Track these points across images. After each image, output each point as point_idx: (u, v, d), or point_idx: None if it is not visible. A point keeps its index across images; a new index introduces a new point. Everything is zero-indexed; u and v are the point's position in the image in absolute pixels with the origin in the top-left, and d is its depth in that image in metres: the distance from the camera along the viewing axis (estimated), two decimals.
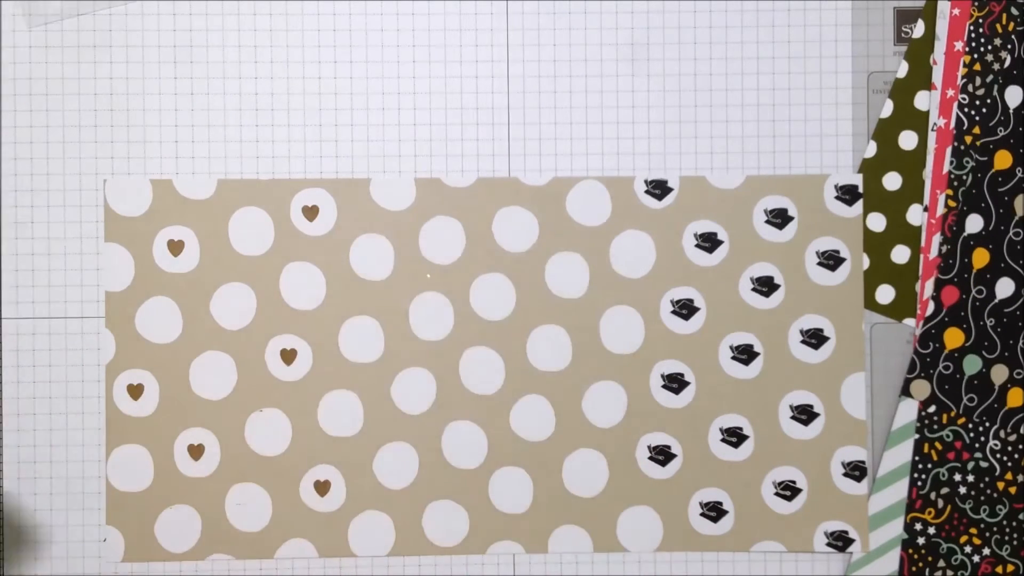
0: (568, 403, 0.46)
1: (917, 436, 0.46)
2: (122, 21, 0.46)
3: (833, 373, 0.46)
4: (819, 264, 0.46)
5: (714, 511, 0.46)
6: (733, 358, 0.46)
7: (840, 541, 0.46)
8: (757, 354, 0.46)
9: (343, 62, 0.46)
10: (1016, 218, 0.46)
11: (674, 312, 0.46)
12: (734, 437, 0.46)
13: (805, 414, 0.46)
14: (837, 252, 0.46)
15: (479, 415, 0.46)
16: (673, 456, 0.46)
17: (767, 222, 0.46)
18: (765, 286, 0.46)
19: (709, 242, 0.46)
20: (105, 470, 0.46)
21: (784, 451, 0.46)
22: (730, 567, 0.46)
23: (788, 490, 0.46)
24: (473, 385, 0.46)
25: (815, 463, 0.46)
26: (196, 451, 0.46)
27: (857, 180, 0.46)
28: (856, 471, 0.46)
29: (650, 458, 0.46)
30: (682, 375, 0.46)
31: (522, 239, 0.46)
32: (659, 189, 0.46)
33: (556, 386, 0.46)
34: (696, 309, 0.46)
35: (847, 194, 0.46)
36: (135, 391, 0.45)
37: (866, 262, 0.46)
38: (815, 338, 0.46)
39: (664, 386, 0.46)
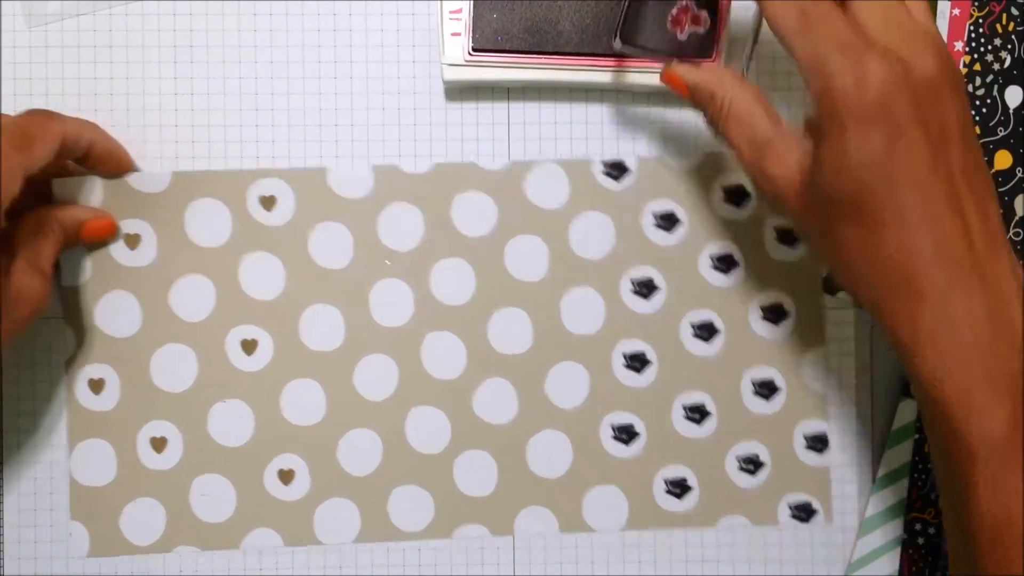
0: (531, 385, 0.46)
1: (917, 436, 0.46)
2: (122, 21, 0.46)
3: (794, 348, 0.46)
4: (777, 240, 0.46)
5: (679, 488, 0.46)
6: (694, 336, 0.46)
7: (804, 512, 0.46)
8: (718, 331, 0.46)
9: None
10: (1016, 218, 0.46)
11: (635, 292, 0.46)
12: (697, 414, 0.46)
13: (767, 389, 0.46)
14: None
15: (442, 400, 0.46)
16: (637, 435, 0.46)
17: (725, 200, 0.46)
18: (725, 263, 0.46)
19: (668, 221, 0.46)
20: (68, 465, 0.45)
21: (747, 426, 0.46)
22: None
23: (752, 464, 0.46)
24: (435, 370, 0.46)
25: (778, 437, 0.46)
26: (159, 444, 0.45)
27: None
28: (818, 443, 0.46)
29: (614, 437, 0.46)
30: (644, 354, 0.46)
31: (481, 223, 0.46)
32: (617, 170, 0.46)
33: (518, 369, 0.46)
34: (656, 288, 0.46)
35: None
36: (96, 386, 0.45)
37: None
38: (775, 314, 0.46)
39: (626, 366, 0.46)
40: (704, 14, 0.41)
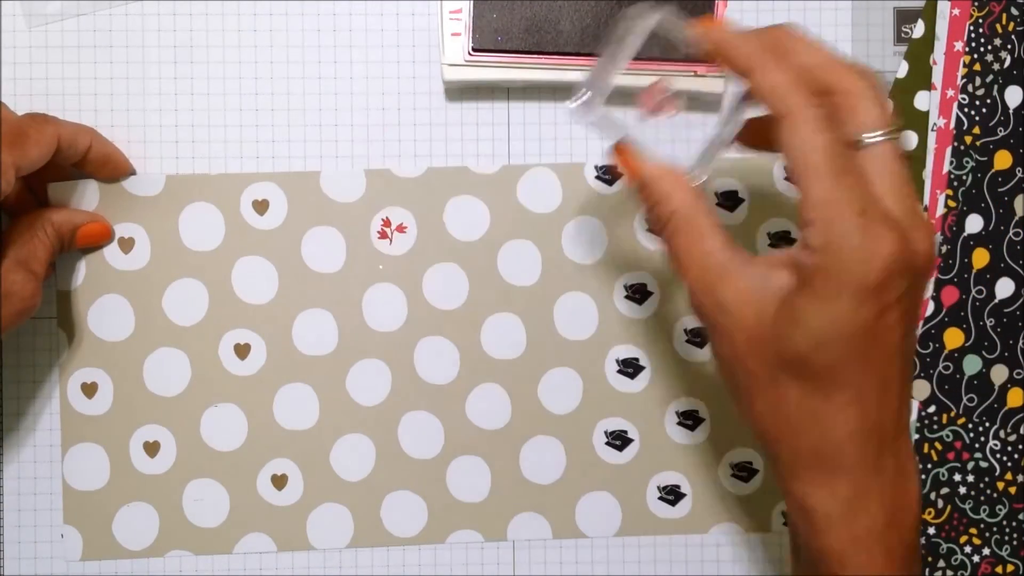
0: (524, 391, 0.46)
1: (917, 436, 0.46)
2: (122, 21, 0.46)
3: None
4: (770, 246, 0.46)
5: (672, 495, 0.46)
6: (687, 341, 0.46)
7: None
8: None
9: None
10: (1016, 218, 0.46)
11: (627, 297, 0.46)
12: (690, 420, 0.46)
13: None
14: (788, 233, 0.46)
15: (435, 405, 0.46)
16: (630, 441, 0.46)
17: (718, 204, 0.46)
18: None
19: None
20: (61, 469, 0.45)
21: (740, 433, 0.46)
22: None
23: (745, 471, 0.46)
24: (428, 375, 0.46)
25: None
26: (152, 448, 0.45)
27: None
28: None
29: (607, 443, 0.46)
30: (637, 360, 0.46)
31: (474, 228, 0.46)
32: (610, 174, 0.46)
33: (512, 374, 0.46)
34: (650, 293, 0.46)
35: None
36: (89, 390, 0.45)
37: None
38: None
39: (619, 371, 0.46)
40: (681, 107, 0.38)
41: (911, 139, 0.46)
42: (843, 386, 0.32)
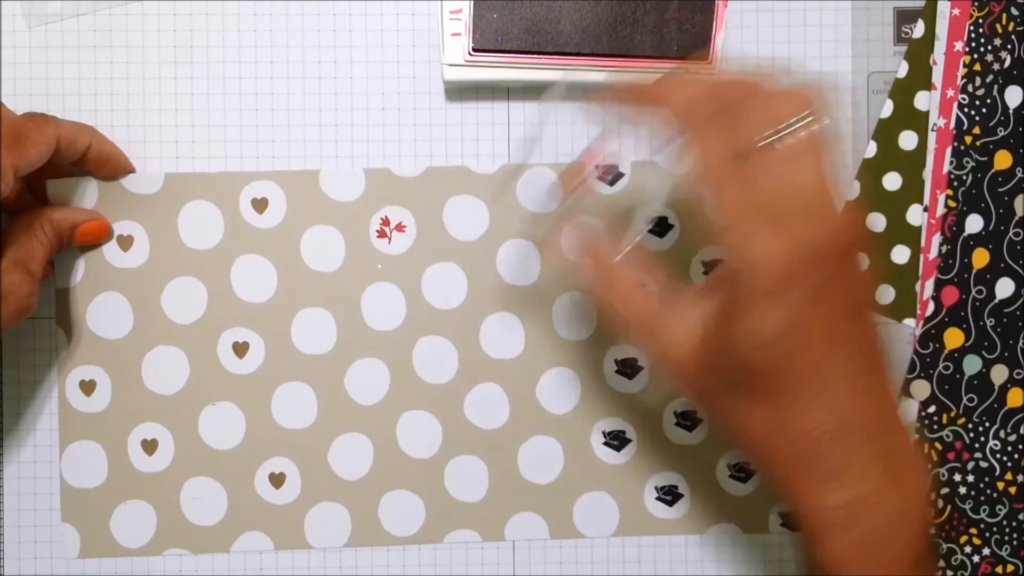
0: (522, 391, 0.46)
1: (917, 436, 0.46)
2: (122, 21, 0.46)
3: None
4: None
5: (669, 495, 0.46)
6: None
7: (795, 521, 0.46)
8: None
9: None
10: (1016, 218, 0.46)
11: None
12: (688, 420, 0.46)
13: None
14: None
15: (433, 404, 0.46)
16: (628, 441, 0.46)
17: None
18: None
19: (660, 226, 0.46)
20: (59, 467, 0.45)
21: None
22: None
23: (743, 472, 0.46)
24: (427, 374, 0.46)
25: None
26: (150, 446, 0.45)
27: None
28: None
29: (605, 444, 0.46)
30: (636, 360, 0.46)
31: (473, 227, 0.46)
32: (610, 175, 0.46)
33: (510, 374, 0.46)
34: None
35: None
36: (87, 387, 0.45)
37: (866, 262, 0.46)
38: None
39: (618, 371, 0.46)
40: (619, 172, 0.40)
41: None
42: (799, 388, 0.32)
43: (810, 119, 0.33)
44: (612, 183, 0.36)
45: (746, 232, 0.32)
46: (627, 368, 0.46)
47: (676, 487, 0.46)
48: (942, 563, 0.46)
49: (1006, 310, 0.46)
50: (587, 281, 0.38)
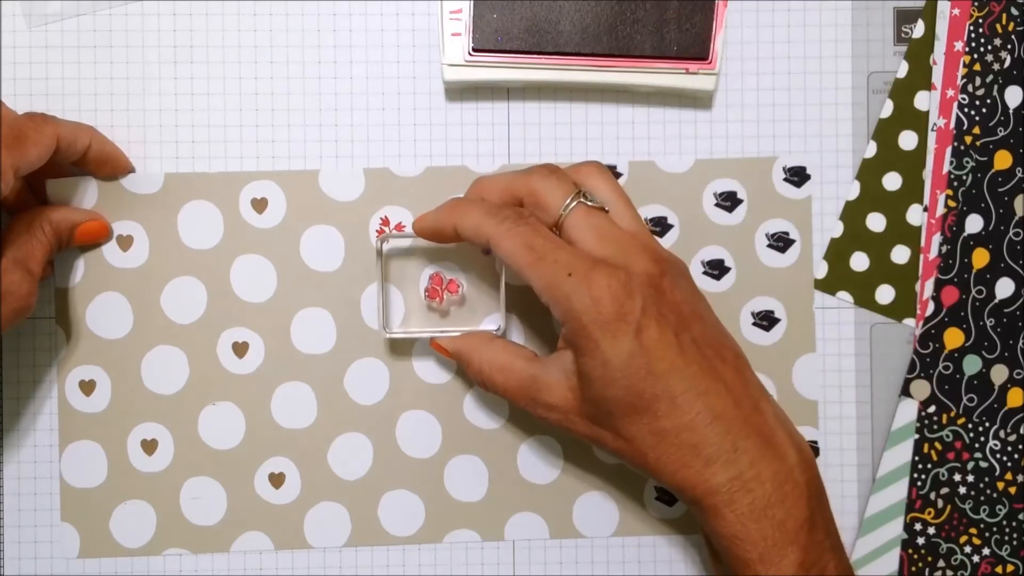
0: None
1: (917, 436, 0.46)
2: (122, 21, 0.46)
3: (785, 354, 0.46)
4: (769, 246, 0.46)
5: (669, 495, 0.46)
6: None
7: None
8: None
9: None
10: (1016, 218, 0.46)
11: None
12: None
13: None
14: (787, 234, 0.46)
15: (433, 404, 0.46)
16: None
17: (717, 205, 0.46)
18: (716, 269, 0.46)
19: (660, 226, 0.46)
20: (59, 467, 0.45)
21: None
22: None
23: None
24: (426, 374, 0.46)
25: None
26: (149, 446, 0.45)
27: (806, 162, 0.46)
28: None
29: None
30: None
31: None
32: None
33: None
34: None
35: (795, 176, 0.46)
36: (87, 387, 0.45)
37: (866, 262, 0.46)
38: (766, 320, 0.46)
39: None
40: (460, 280, 0.45)
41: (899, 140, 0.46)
42: (658, 404, 0.36)
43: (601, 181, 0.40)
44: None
45: (568, 289, 0.37)
46: None
47: None
48: (942, 563, 0.46)
49: (1006, 310, 0.46)
50: (471, 374, 0.42)
